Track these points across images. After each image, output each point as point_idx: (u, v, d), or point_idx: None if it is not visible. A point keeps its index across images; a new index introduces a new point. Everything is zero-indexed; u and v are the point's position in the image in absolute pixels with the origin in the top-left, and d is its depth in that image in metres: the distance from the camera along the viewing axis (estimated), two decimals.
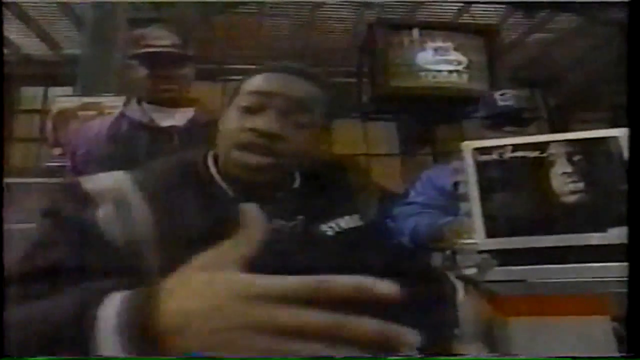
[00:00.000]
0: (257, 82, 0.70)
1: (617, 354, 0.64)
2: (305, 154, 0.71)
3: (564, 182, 0.98)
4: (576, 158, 0.98)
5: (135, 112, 1.32)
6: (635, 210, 0.63)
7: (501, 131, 1.49)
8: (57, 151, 2.61)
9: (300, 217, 0.68)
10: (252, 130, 0.66)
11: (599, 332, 0.73)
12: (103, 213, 0.61)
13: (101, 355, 0.45)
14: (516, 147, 1.00)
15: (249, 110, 0.68)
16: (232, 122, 0.68)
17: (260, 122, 0.66)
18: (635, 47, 0.65)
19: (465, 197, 1.47)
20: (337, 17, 3.40)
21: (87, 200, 0.62)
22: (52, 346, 0.44)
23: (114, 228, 0.60)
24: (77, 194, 0.63)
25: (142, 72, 1.30)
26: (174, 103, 1.32)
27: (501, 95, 1.56)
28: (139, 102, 1.35)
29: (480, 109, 1.62)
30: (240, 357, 0.52)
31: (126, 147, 1.23)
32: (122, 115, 1.34)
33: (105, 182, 0.65)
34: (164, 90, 1.29)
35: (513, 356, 0.77)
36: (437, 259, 1.17)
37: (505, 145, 1.01)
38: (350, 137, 3.73)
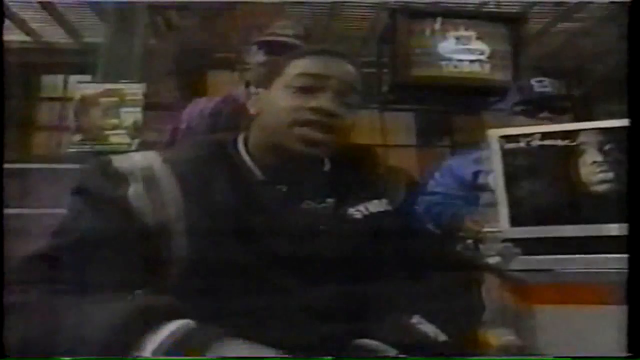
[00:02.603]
0: (307, 64, 0.72)
1: (617, 354, 0.63)
2: (352, 133, 0.74)
3: (593, 171, 0.96)
4: (607, 147, 0.96)
5: (241, 94, 1.36)
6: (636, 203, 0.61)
7: (536, 118, 1.47)
8: (78, 137, 2.64)
9: (330, 199, 0.69)
10: (313, 109, 0.69)
11: (623, 321, 0.71)
12: (133, 191, 0.62)
13: (101, 356, 0.46)
14: (545, 135, 0.99)
15: (305, 91, 0.70)
16: (285, 102, 0.70)
17: (320, 101, 0.69)
18: (635, 47, 0.63)
19: (485, 188, 1.46)
20: (358, 5, 3.37)
21: (118, 177, 0.63)
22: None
23: (143, 206, 0.61)
24: (108, 172, 0.64)
25: (260, 57, 1.35)
26: None
27: (538, 81, 1.54)
28: (246, 85, 1.39)
29: (513, 95, 1.60)
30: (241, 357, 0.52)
31: (225, 127, 1.26)
32: (228, 96, 1.38)
33: (136, 160, 0.66)
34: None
35: (509, 356, 0.76)
36: (462, 247, 1.16)
37: (533, 134, 0.99)
38: (367, 128, 3.71)
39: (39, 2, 3.49)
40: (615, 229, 0.92)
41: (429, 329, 0.61)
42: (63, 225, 0.61)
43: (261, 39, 1.38)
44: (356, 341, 0.59)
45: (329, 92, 0.70)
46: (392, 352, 0.58)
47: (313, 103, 0.69)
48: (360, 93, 0.74)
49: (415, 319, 0.62)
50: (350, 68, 0.74)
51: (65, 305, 0.50)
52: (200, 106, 1.39)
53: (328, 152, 0.72)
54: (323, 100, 0.69)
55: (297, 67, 0.72)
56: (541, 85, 1.53)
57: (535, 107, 1.49)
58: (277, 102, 0.71)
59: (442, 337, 0.61)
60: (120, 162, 0.66)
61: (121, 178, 0.63)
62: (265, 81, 0.76)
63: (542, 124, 1.35)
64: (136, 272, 0.58)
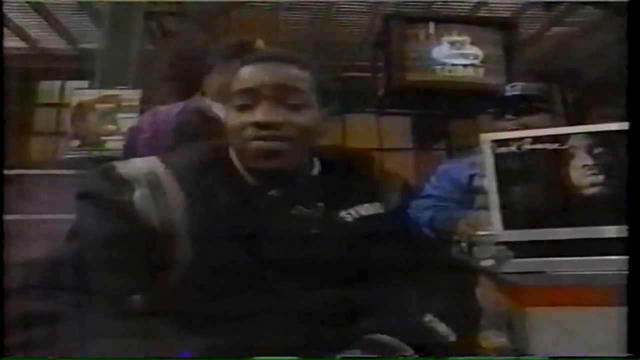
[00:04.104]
0: (241, 79, 0.72)
1: (617, 354, 0.64)
2: (315, 133, 0.73)
3: (583, 174, 0.98)
4: (597, 151, 0.98)
5: (204, 104, 1.36)
6: (635, 205, 0.62)
7: (506, 120, 1.49)
8: (75, 143, 2.65)
9: (320, 203, 0.70)
10: (254, 124, 0.69)
11: (615, 323, 0.72)
12: (139, 196, 0.63)
13: (101, 356, 0.47)
14: (536, 139, 1.00)
15: (244, 108, 0.71)
16: (233, 121, 0.71)
17: (255, 115, 0.69)
18: (635, 47, 0.64)
19: (480, 190, 1.47)
20: (353, 11, 3.39)
21: (122, 183, 0.64)
22: None
23: (150, 211, 0.62)
24: (113, 178, 0.65)
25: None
26: None
27: (511, 87, 1.58)
28: (202, 94, 1.39)
29: (493, 101, 1.63)
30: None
31: (193, 136, 1.26)
32: (187, 106, 1.37)
33: (139, 166, 0.67)
34: None
35: (503, 356, 0.77)
36: (456, 250, 1.17)
37: (524, 138, 1.01)
38: (364, 132, 3.73)
39: (35, 9, 3.50)
40: (606, 232, 0.93)
41: (442, 328, 0.62)
42: (74, 230, 0.62)
43: (251, 56, 1.38)
44: (369, 336, 0.59)
45: (263, 103, 0.69)
46: (406, 349, 0.58)
47: (251, 118, 0.69)
48: (312, 89, 0.73)
49: (428, 317, 0.62)
50: (287, 69, 0.72)
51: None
52: (163, 116, 1.38)
53: (294, 160, 0.71)
54: (258, 114, 0.69)
55: (236, 83, 0.73)
56: (512, 90, 1.56)
57: (504, 109, 1.52)
58: (228, 121, 0.72)
59: (453, 337, 0.61)
60: (123, 168, 0.67)
61: (126, 184, 0.64)
62: (224, 96, 0.76)
63: (509, 126, 1.38)
64: (142, 275, 0.59)
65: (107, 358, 0.48)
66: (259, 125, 0.68)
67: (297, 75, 0.72)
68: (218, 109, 1.34)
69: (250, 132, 0.69)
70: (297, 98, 0.71)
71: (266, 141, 0.68)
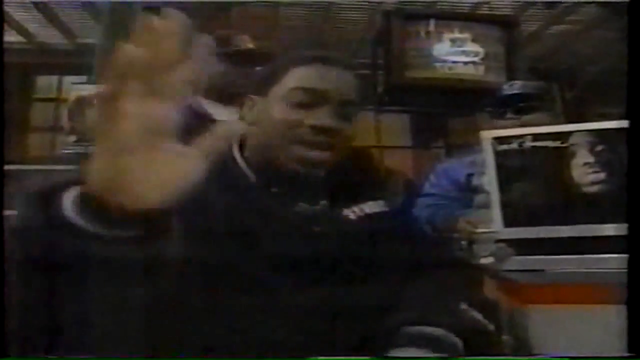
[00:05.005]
0: (303, 76, 0.70)
1: (617, 354, 0.63)
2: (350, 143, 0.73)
3: (585, 172, 0.97)
4: (598, 148, 0.98)
5: (196, 103, 1.36)
6: (635, 203, 0.62)
7: (503, 119, 1.49)
8: (72, 139, 2.63)
9: (323, 201, 0.69)
10: (312, 127, 0.67)
11: (615, 320, 0.72)
12: None
13: (101, 355, 0.46)
14: (537, 137, 1.00)
15: (302, 106, 0.68)
16: (282, 115, 0.69)
17: (319, 118, 0.67)
18: (635, 46, 0.64)
19: (479, 189, 1.47)
20: (353, 7, 3.38)
21: None
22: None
23: None
24: None
25: (225, 69, 1.33)
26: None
27: (509, 85, 1.58)
28: (193, 93, 1.39)
29: (491, 99, 1.63)
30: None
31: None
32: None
33: None
34: (240, 86, 1.32)
35: (500, 356, 0.76)
36: (456, 248, 1.17)
37: (525, 135, 1.01)
38: (362, 129, 3.72)
39: (33, 3, 3.48)
40: (607, 229, 0.93)
41: (479, 316, 0.61)
42: None
43: (229, 50, 1.37)
44: (408, 329, 0.57)
45: (328, 107, 0.68)
46: (453, 339, 0.56)
47: (312, 120, 0.67)
48: (357, 101, 0.73)
49: (464, 306, 0.61)
50: (348, 77, 0.72)
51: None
52: None
53: (325, 169, 0.71)
54: (322, 117, 0.67)
55: (294, 78, 0.70)
56: (511, 88, 1.56)
57: (501, 109, 1.52)
58: (274, 114, 0.69)
59: (492, 326, 0.61)
60: None
61: None
62: (262, 89, 0.74)
63: (507, 125, 1.38)
64: (135, 272, 0.59)
65: (106, 358, 0.47)
66: (318, 129, 0.67)
67: (355, 84, 0.72)
68: (209, 107, 1.34)
69: (304, 132, 0.67)
70: (353, 108, 0.71)
71: (318, 149, 0.67)
